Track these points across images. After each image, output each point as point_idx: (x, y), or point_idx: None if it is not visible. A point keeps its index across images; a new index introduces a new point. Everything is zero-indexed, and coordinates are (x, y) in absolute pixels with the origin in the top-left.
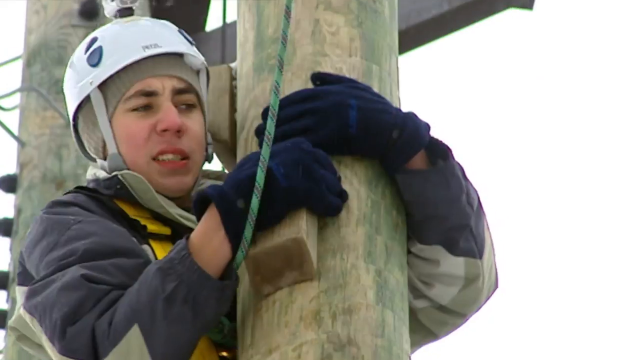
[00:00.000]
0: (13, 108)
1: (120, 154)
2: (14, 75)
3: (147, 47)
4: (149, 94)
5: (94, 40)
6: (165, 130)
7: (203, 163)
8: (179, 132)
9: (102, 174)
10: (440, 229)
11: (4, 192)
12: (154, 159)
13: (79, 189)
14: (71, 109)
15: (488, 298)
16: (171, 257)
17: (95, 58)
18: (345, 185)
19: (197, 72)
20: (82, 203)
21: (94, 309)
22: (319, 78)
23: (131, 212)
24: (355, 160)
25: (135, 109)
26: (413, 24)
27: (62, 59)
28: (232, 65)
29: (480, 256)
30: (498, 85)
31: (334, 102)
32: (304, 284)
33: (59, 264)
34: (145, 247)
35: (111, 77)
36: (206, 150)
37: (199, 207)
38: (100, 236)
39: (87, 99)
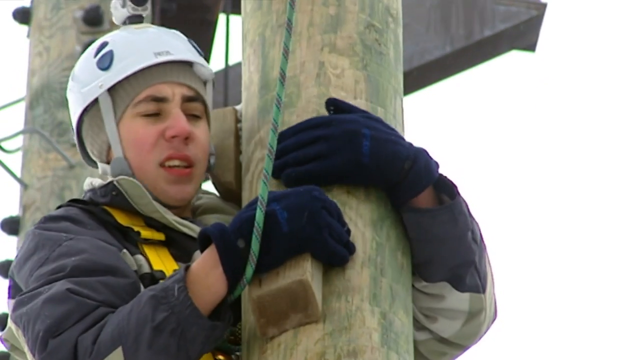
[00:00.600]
0: (16, 150)
1: (126, 159)
2: (16, 118)
3: (158, 53)
4: (159, 99)
5: (104, 44)
6: (174, 137)
7: (205, 173)
8: (187, 139)
9: (98, 182)
10: (447, 267)
11: (7, 235)
12: (161, 165)
13: (73, 201)
14: (76, 111)
15: (488, 329)
16: (167, 287)
17: (105, 62)
18: (351, 227)
19: (205, 82)
20: (74, 216)
21: (78, 324)
22: (333, 104)
23: (125, 221)
24: (360, 202)
25: (144, 115)
26: (416, 65)
27: (65, 101)
28: (237, 107)
29: (484, 290)
30: (501, 126)
31: (348, 130)
32: (309, 326)
33: (47, 279)
34: (139, 257)
35: (120, 81)
36: (209, 160)
37: (201, 243)
38: (91, 254)
39: (95, 102)
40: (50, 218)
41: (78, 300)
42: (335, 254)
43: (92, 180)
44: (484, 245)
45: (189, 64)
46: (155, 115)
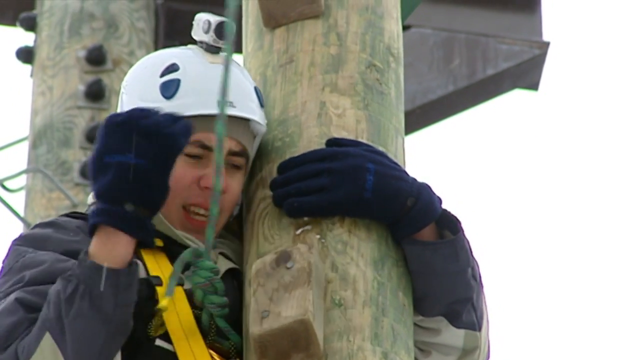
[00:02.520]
0: (19, 189)
1: None
2: (19, 157)
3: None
4: (207, 147)
5: (174, 67)
6: (207, 188)
7: (227, 222)
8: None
9: None
10: (444, 301)
11: None
12: (185, 207)
13: (71, 214)
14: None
15: None
16: (72, 267)
17: (170, 90)
18: (352, 267)
19: (255, 136)
20: (61, 223)
21: (23, 334)
22: (335, 143)
23: None
24: (361, 241)
25: (187, 155)
26: (419, 104)
27: (68, 140)
28: None
29: (480, 329)
30: (504, 165)
31: (352, 165)
32: None
33: (6, 291)
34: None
35: None
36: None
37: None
38: (49, 264)
39: None
40: (38, 225)
41: (23, 311)
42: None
43: None
44: (482, 284)
45: (246, 119)
46: (198, 159)
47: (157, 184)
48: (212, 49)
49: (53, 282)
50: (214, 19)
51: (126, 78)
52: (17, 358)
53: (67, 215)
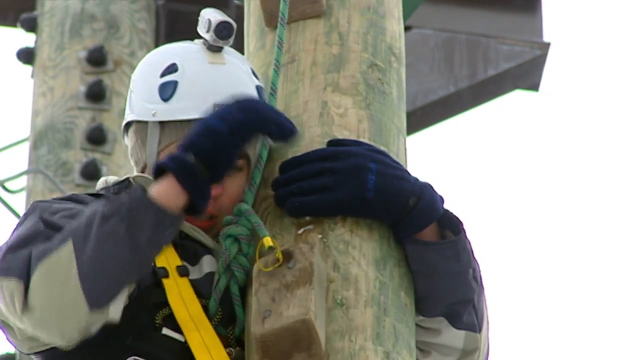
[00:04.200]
0: (20, 190)
1: None
2: (20, 158)
3: (219, 106)
4: None
5: (174, 68)
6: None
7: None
8: (214, 198)
9: (113, 179)
10: (445, 302)
11: None
12: None
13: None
14: (128, 114)
15: None
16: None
17: (167, 92)
18: (354, 267)
19: None
20: (79, 197)
21: (40, 243)
22: (337, 143)
23: None
24: (363, 241)
25: None
26: (420, 105)
27: (69, 141)
28: None
29: (480, 330)
30: (504, 166)
31: (354, 164)
32: None
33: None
34: None
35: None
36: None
37: (156, 175)
38: (76, 210)
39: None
40: (56, 198)
41: (46, 225)
42: (282, 125)
43: (107, 178)
44: (483, 286)
45: None
46: None
47: (226, 152)
48: (212, 48)
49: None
50: (215, 18)
51: (134, 75)
52: (29, 260)
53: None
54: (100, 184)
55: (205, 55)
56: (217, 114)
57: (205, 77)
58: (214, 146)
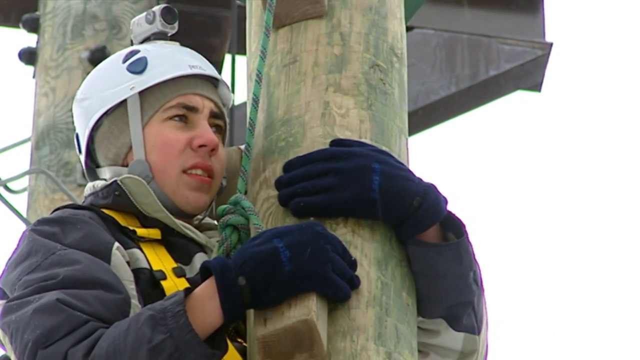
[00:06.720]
0: (22, 190)
1: (148, 162)
2: (22, 158)
3: (192, 66)
4: (190, 108)
5: (135, 52)
6: (201, 146)
7: (218, 191)
8: (213, 150)
9: (101, 183)
10: (445, 304)
11: None
12: (184, 171)
13: (70, 206)
14: (93, 115)
15: None
16: (165, 308)
17: (139, 66)
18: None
19: (224, 105)
20: (67, 218)
21: (68, 337)
22: (339, 143)
23: (121, 221)
24: (365, 242)
25: (172, 118)
26: (421, 105)
27: (71, 141)
28: (243, 147)
29: (479, 332)
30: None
31: (358, 165)
32: None
33: (38, 286)
34: (135, 251)
35: (151, 87)
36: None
37: (202, 275)
38: (84, 265)
39: (119, 104)
40: (45, 221)
41: (68, 312)
42: (338, 290)
43: (95, 183)
44: (483, 288)
45: (214, 84)
46: (184, 121)
47: (277, 291)
48: (161, 36)
49: (92, 288)
50: (157, 8)
51: (80, 91)
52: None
53: (64, 207)
54: (88, 189)
55: (159, 42)
56: (291, 242)
57: (170, 50)
58: (268, 281)
